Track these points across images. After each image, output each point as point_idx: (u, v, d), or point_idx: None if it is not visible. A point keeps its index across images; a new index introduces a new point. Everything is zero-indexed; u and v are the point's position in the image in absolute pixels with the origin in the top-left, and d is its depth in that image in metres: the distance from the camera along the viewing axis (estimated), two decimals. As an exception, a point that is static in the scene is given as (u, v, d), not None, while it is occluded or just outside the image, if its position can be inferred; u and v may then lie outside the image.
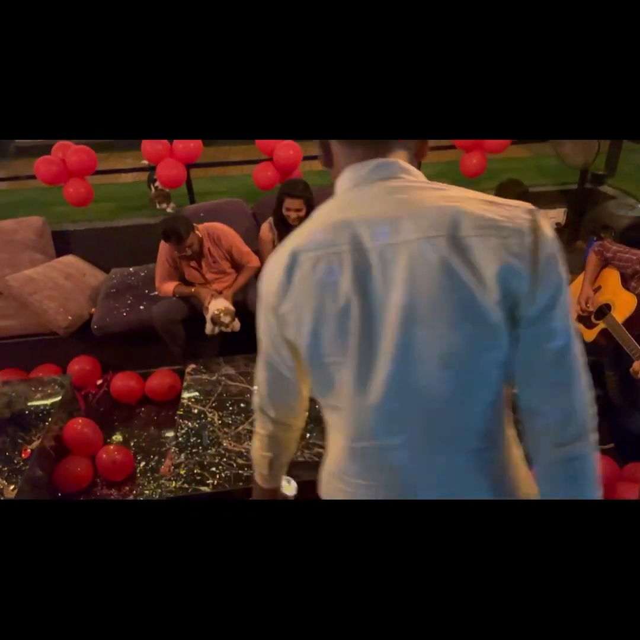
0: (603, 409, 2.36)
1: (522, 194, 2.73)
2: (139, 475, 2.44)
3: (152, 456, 2.54)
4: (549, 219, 2.99)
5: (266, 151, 3.27)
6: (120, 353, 3.02)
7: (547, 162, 4.41)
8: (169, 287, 2.74)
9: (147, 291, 3.01)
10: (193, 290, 2.72)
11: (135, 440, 2.64)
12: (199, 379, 2.50)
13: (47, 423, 2.30)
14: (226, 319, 2.64)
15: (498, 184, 2.81)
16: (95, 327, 2.86)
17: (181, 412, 2.30)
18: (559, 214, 3.68)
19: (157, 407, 2.84)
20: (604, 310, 2.34)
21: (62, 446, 2.38)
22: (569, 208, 3.69)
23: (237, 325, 2.69)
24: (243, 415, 2.26)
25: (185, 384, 2.47)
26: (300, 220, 2.81)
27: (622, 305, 2.25)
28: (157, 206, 3.42)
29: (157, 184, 3.47)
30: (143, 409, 2.84)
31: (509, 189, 2.73)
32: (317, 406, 2.41)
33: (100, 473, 2.36)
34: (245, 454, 2.07)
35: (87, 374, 2.92)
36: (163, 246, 2.74)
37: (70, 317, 2.85)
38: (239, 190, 3.92)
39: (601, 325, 2.32)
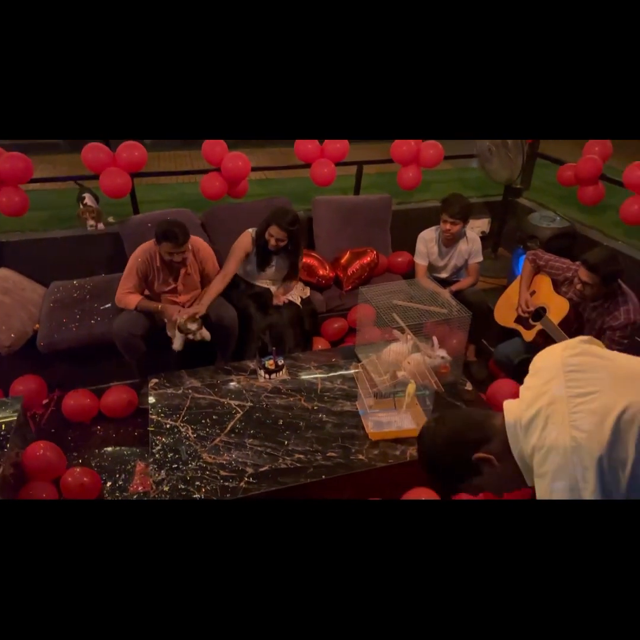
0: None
1: (466, 206, 2.97)
2: (106, 495, 2.36)
3: (118, 475, 2.47)
4: (476, 228, 3.28)
5: (213, 161, 3.26)
6: (69, 370, 2.88)
7: (467, 174, 4.78)
8: (132, 299, 2.67)
9: (96, 304, 2.90)
10: (160, 306, 2.68)
11: (96, 460, 2.54)
12: (165, 393, 2.48)
13: (5, 450, 2.18)
14: (193, 326, 2.64)
15: (443, 198, 3.04)
16: (42, 344, 2.72)
17: (152, 428, 2.27)
18: (484, 224, 4.03)
19: (114, 424, 2.75)
20: (540, 313, 2.63)
21: (21, 473, 2.25)
22: (493, 218, 4.05)
23: (206, 334, 2.69)
24: (217, 427, 2.28)
25: (151, 399, 2.43)
26: (280, 249, 2.86)
27: (557, 308, 2.54)
28: (88, 224, 3.21)
29: (86, 201, 3.25)
30: (99, 427, 2.74)
31: (454, 202, 2.95)
32: (289, 413, 2.47)
33: (66, 497, 2.26)
34: (226, 465, 2.10)
35: (32, 393, 2.75)
36: (135, 256, 2.67)
37: (13, 335, 2.68)
38: (178, 199, 3.86)
39: (538, 326, 2.60)
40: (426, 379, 2.18)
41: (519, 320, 2.75)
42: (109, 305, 2.87)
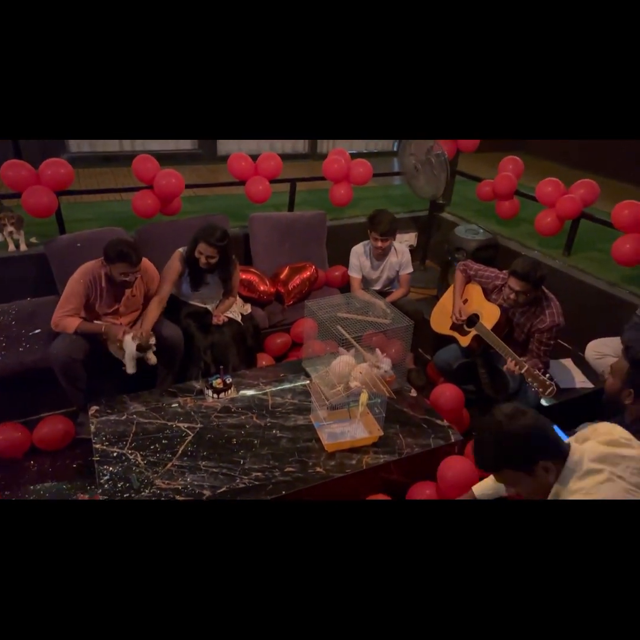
0: (478, 400, 2.81)
1: (393, 222, 3.09)
2: (48, 534, 2.20)
3: (59, 511, 2.31)
4: (404, 242, 3.44)
5: (145, 179, 3.19)
6: (-5, 402, 2.67)
7: (391, 191, 4.99)
8: (71, 322, 2.52)
9: (24, 330, 2.71)
10: (103, 328, 2.55)
11: (33, 496, 2.37)
12: (107, 420, 2.36)
13: None
14: (152, 340, 2.61)
15: (370, 215, 3.14)
16: (-36, 376, 2.50)
17: (98, 458, 2.15)
18: (411, 238, 4.22)
19: (49, 458, 2.57)
20: (473, 320, 2.79)
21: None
22: (419, 232, 4.26)
23: (153, 358, 2.60)
24: (168, 452, 2.21)
25: (92, 427, 2.31)
26: (212, 267, 2.81)
27: (489, 314, 2.71)
28: (6, 231, 3.00)
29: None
30: (32, 461, 2.55)
31: (382, 220, 3.05)
32: (242, 432, 2.44)
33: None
34: (182, 490, 2.03)
35: (-47, 431, 2.52)
36: (76, 278, 2.54)
37: None
38: (105, 218, 3.71)
39: (473, 332, 2.76)
40: (377, 387, 2.24)
41: (454, 327, 2.91)
42: (39, 330, 2.70)
